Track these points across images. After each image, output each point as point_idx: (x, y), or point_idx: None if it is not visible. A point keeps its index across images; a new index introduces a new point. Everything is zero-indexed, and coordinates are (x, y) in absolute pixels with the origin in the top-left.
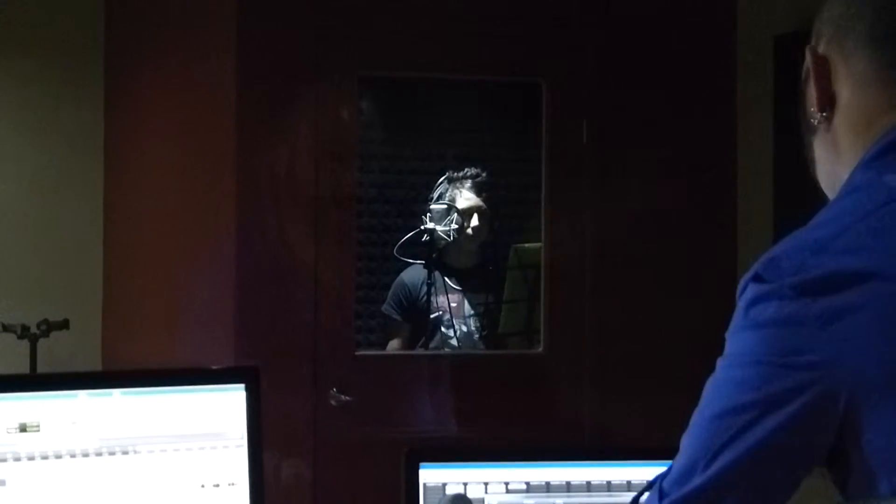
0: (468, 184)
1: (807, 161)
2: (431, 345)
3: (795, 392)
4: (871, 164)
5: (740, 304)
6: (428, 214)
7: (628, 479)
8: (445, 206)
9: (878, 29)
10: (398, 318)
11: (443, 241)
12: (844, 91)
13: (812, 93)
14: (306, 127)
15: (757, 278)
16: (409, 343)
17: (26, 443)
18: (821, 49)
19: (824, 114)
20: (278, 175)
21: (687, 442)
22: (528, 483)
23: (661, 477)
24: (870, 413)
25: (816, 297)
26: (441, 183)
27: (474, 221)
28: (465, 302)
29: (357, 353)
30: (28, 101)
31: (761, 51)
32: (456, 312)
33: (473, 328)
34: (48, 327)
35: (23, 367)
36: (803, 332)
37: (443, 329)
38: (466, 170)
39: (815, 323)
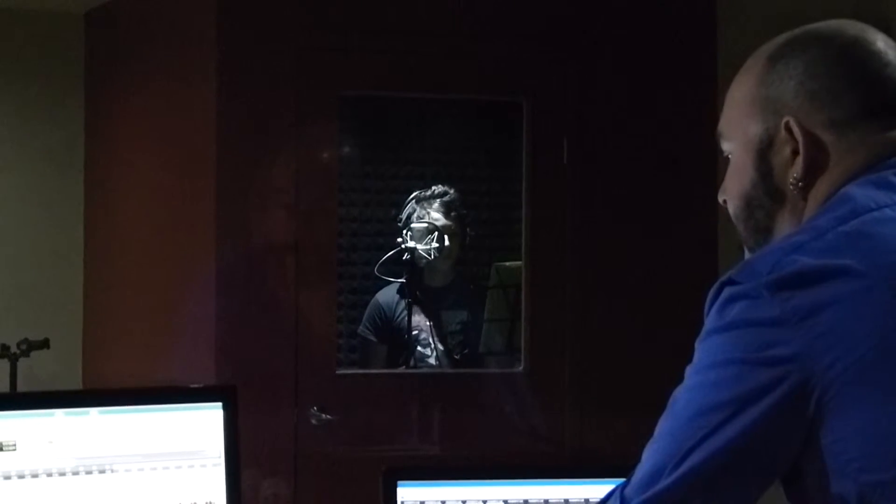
0: (436, 203)
1: (754, 232)
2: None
3: (769, 387)
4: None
5: (714, 308)
6: (408, 233)
7: None
8: (426, 225)
9: (873, 99)
10: (374, 339)
11: (424, 260)
12: (829, 161)
13: (795, 164)
14: (286, 146)
15: (731, 282)
16: (387, 365)
17: (3, 462)
18: (789, 117)
19: (802, 184)
20: (259, 193)
21: (653, 448)
22: (506, 501)
23: (621, 487)
24: (841, 408)
25: (793, 292)
26: (409, 202)
27: (445, 241)
28: (440, 320)
29: (338, 372)
30: (7, 120)
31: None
32: (431, 331)
33: (450, 346)
34: (28, 346)
35: (3, 387)
36: (777, 328)
37: (419, 348)
38: (434, 188)
39: (791, 318)
